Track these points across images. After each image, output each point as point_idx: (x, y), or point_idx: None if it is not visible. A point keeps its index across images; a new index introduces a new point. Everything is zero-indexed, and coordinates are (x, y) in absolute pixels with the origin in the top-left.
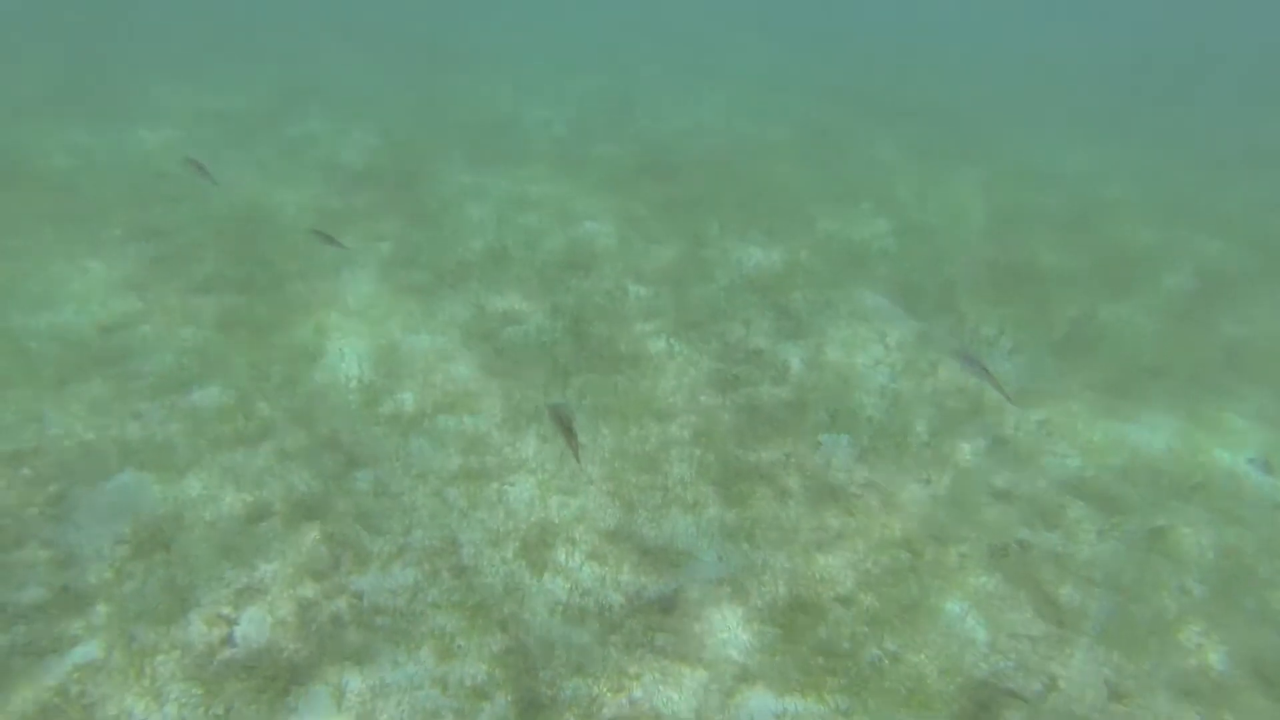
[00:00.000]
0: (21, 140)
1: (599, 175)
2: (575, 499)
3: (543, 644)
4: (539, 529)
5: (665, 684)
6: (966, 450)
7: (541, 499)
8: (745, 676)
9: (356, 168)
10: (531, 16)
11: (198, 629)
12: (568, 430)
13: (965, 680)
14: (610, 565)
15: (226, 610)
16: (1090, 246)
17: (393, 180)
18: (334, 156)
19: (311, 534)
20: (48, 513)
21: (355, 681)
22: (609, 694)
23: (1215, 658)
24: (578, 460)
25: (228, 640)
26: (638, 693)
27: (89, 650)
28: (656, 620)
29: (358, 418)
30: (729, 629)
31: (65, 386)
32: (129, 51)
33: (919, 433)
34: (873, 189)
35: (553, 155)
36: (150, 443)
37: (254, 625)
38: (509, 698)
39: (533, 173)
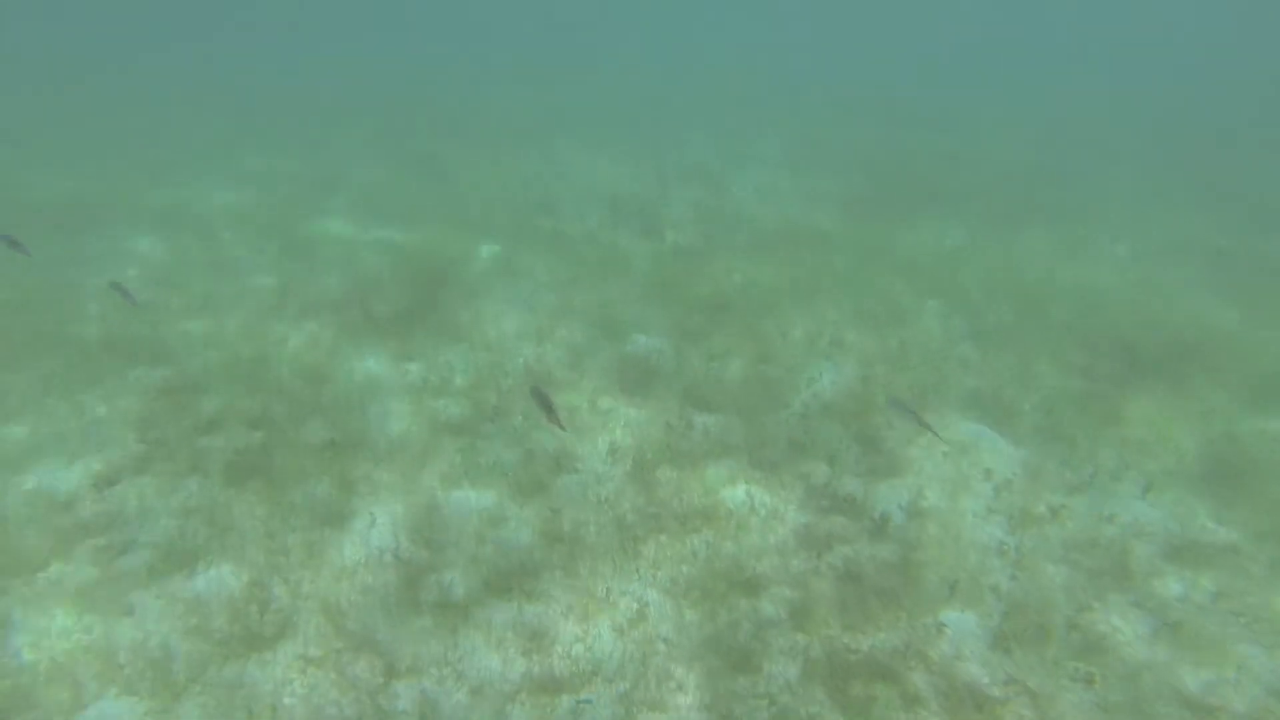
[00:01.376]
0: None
1: (643, 274)
2: (667, 716)
3: None
4: None
5: None
6: (1126, 632)
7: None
8: None
9: (377, 271)
10: (553, 83)
11: None
12: (549, 409)
13: None
14: None
15: None
16: (1178, 334)
17: (417, 284)
18: (353, 256)
19: None
20: None
21: None
22: None
23: None
24: (563, 428)
25: None
26: None
27: None
28: None
29: (396, 608)
30: None
31: (45, 571)
32: (140, 152)
33: (1060, 606)
34: (937, 280)
35: (591, 249)
36: (142, 652)
37: None
38: None
39: (572, 273)
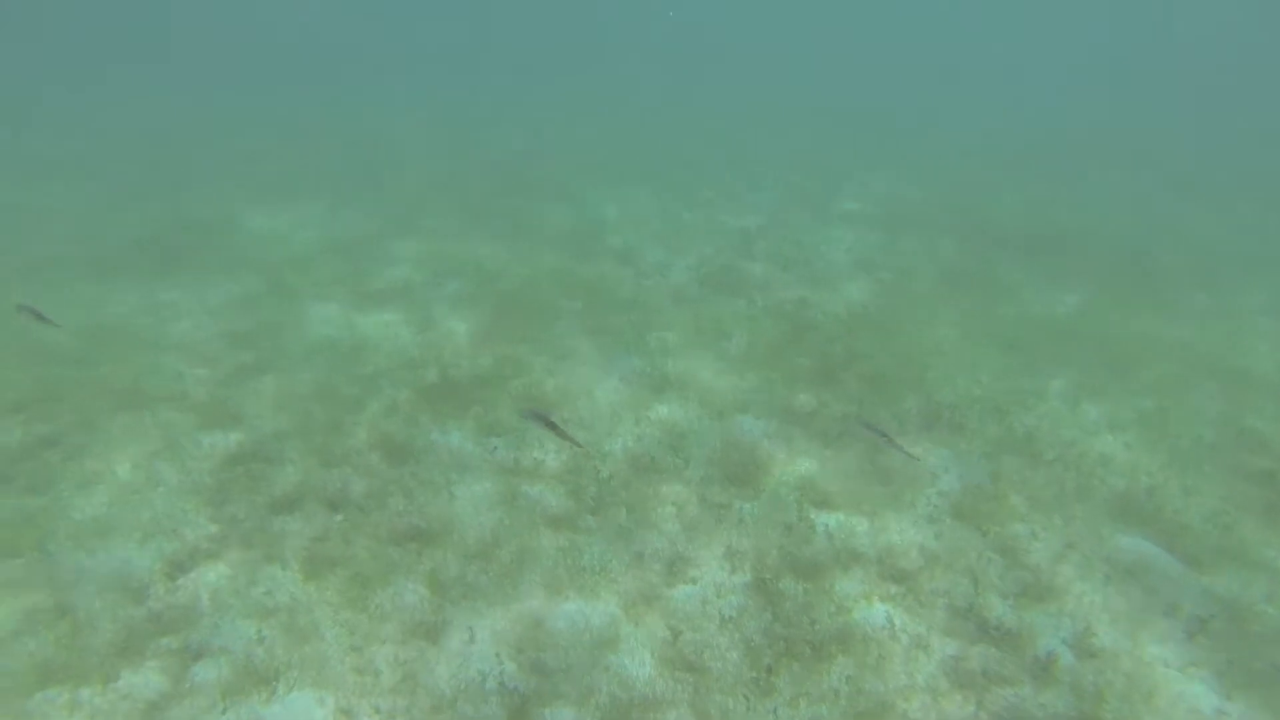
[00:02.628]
0: (101, 300)
1: (741, 344)
2: None
3: None
4: None
5: None
6: None
7: None
8: None
9: (455, 331)
10: (614, 119)
11: None
12: (550, 424)
13: None
14: None
15: None
16: None
17: (497, 348)
18: (427, 312)
19: None
20: None
21: None
22: None
23: None
24: (577, 444)
25: None
26: None
27: None
28: None
29: None
30: None
31: (114, 683)
32: (212, 189)
33: None
34: (1055, 356)
35: (678, 311)
36: None
37: None
38: None
39: (662, 340)
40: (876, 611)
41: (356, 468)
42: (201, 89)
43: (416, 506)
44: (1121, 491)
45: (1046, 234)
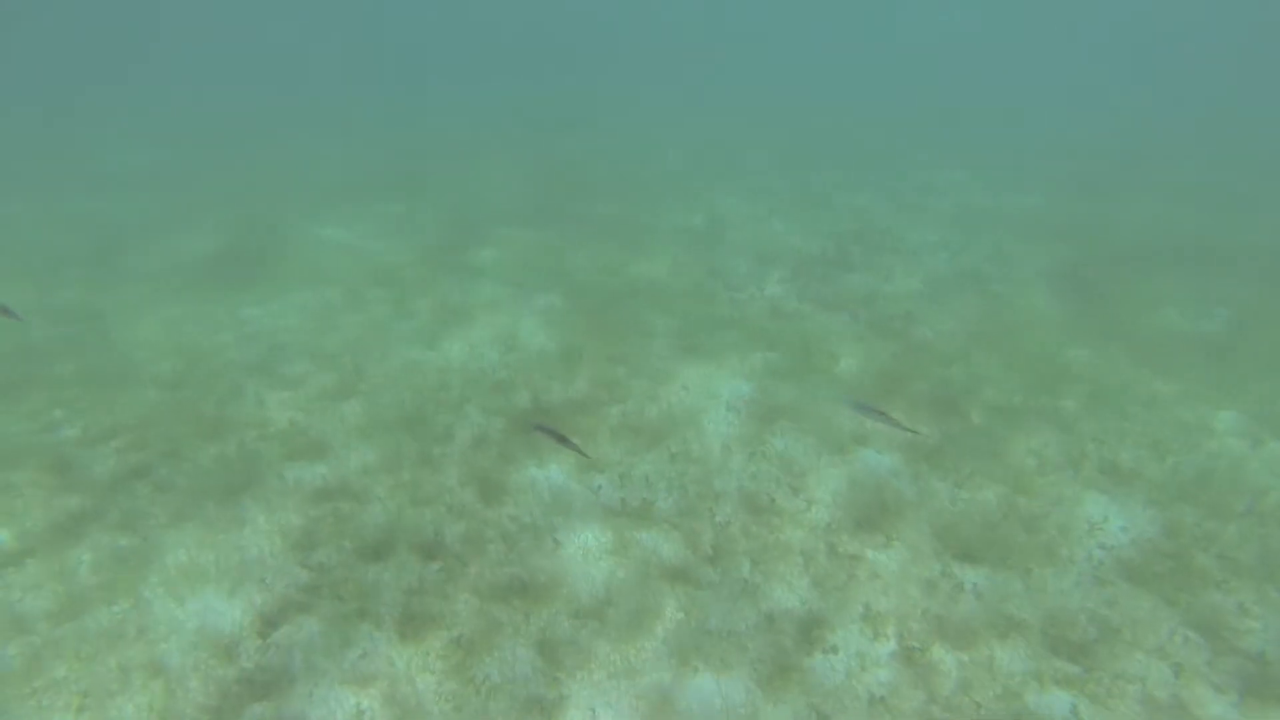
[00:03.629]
0: (182, 317)
1: (852, 366)
2: None
3: None
4: None
5: None
6: None
7: None
8: None
9: (541, 347)
10: (693, 129)
11: None
12: (560, 438)
13: None
14: None
15: None
16: None
17: (591, 370)
18: (513, 326)
19: None
20: None
21: None
22: None
23: None
24: (585, 454)
25: None
26: None
27: None
28: None
29: None
30: None
31: None
32: (278, 191)
33: None
34: (1216, 381)
35: (780, 328)
36: None
37: None
38: None
39: (768, 363)
40: (1056, 701)
41: (450, 507)
42: (258, 92)
43: (519, 555)
44: None
45: (1179, 241)
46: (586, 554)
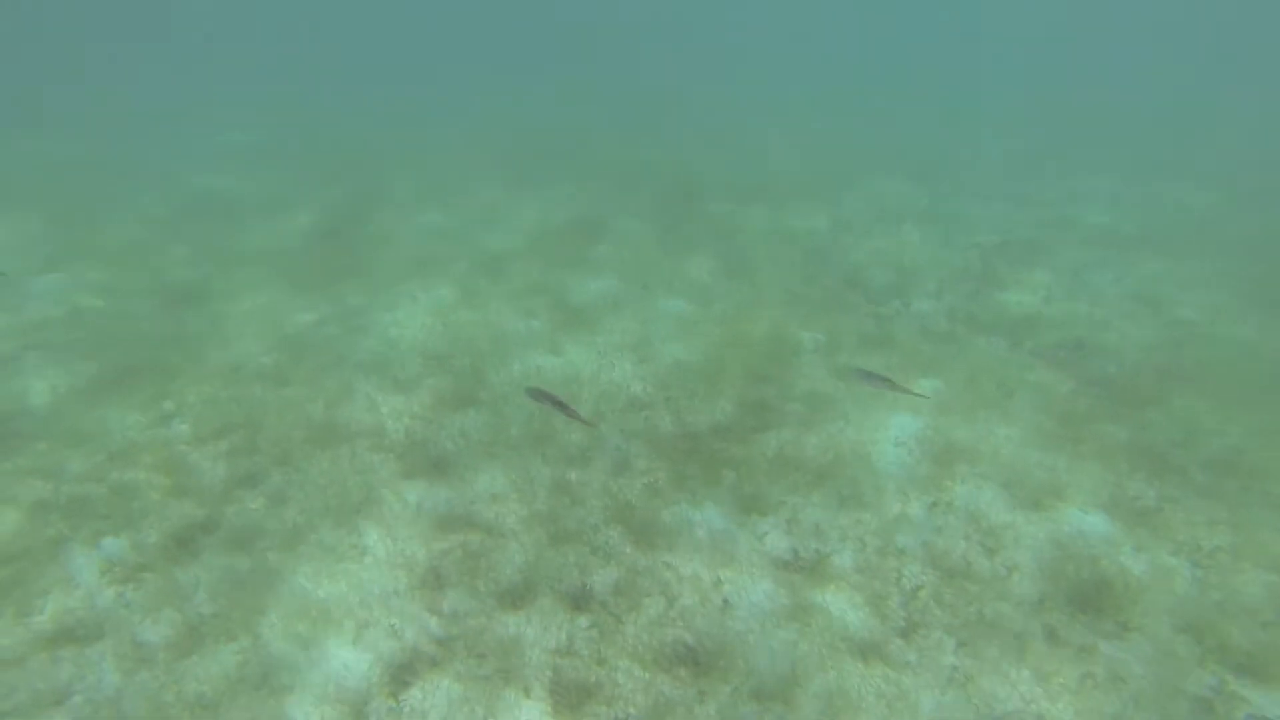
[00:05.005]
0: (290, 306)
1: (1026, 404)
2: None
3: None
4: None
5: None
6: None
7: None
8: None
9: (682, 362)
10: (797, 124)
11: None
12: (558, 404)
13: None
14: None
15: None
16: None
17: (736, 389)
18: (645, 334)
19: None
20: None
21: None
22: None
23: None
24: (586, 421)
25: None
26: None
27: None
28: None
29: None
30: None
31: None
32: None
33: None
34: None
35: (938, 356)
36: None
37: None
38: None
39: (935, 394)
40: None
41: (595, 549)
42: (358, 81)
43: (682, 614)
44: None
45: None
46: (760, 617)
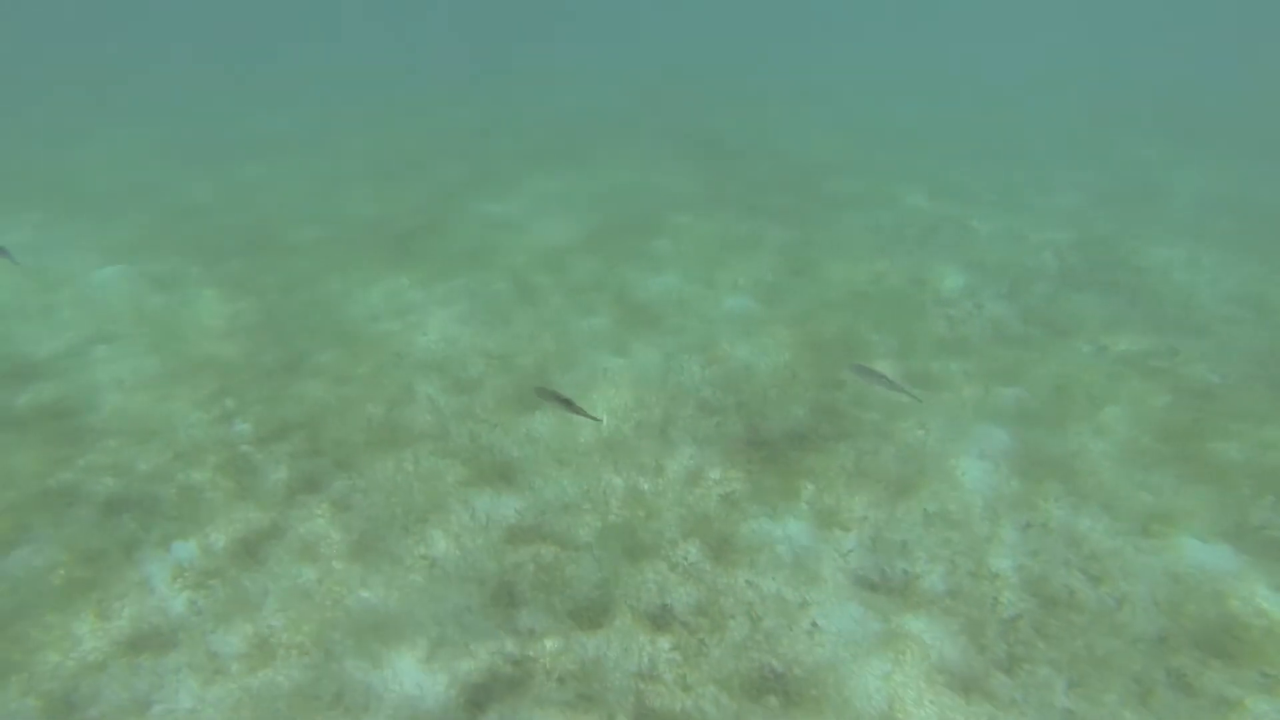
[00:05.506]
0: (346, 295)
1: (1120, 415)
2: None
3: None
4: None
5: None
6: None
7: None
8: None
9: (751, 365)
10: (853, 112)
11: None
12: (565, 401)
13: None
14: None
15: None
16: None
17: (808, 393)
18: (709, 335)
19: None
20: None
21: None
22: None
23: None
24: (593, 416)
25: None
26: None
27: None
28: None
29: None
30: None
31: None
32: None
33: None
34: None
35: (1017, 361)
36: None
37: None
38: None
39: (1020, 403)
40: None
41: (673, 565)
42: (390, 72)
43: (767, 637)
44: None
45: None
46: (850, 643)
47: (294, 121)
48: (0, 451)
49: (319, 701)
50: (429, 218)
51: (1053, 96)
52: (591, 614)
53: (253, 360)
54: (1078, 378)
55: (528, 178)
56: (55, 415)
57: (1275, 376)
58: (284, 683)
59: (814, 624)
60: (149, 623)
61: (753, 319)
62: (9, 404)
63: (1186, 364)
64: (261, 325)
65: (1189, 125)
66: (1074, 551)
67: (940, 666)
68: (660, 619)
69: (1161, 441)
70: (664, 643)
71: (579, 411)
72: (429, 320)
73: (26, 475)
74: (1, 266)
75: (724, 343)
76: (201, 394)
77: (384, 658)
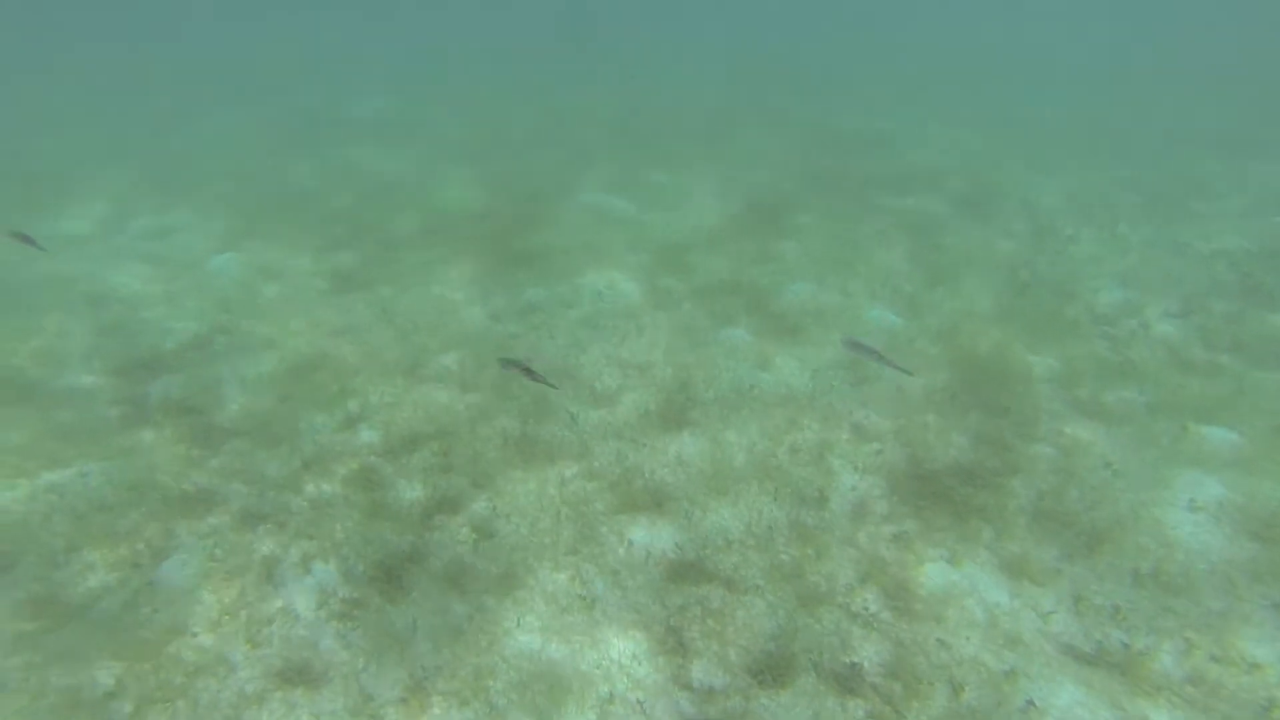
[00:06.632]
0: (456, 291)
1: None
2: None
3: None
4: None
5: None
6: None
7: None
8: None
9: (903, 384)
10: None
11: None
12: (526, 370)
13: None
14: None
15: None
16: None
17: (968, 422)
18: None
19: None
20: None
21: None
22: None
23: None
24: (552, 385)
25: None
26: None
27: None
28: None
29: None
30: None
31: None
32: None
33: None
34: None
35: (1196, 390)
36: None
37: None
38: None
39: (1221, 444)
40: None
41: (852, 614)
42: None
43: (973, 712)
44: None
45: None
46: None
47: (393, 103)
48: (143, 449)
49: None
50: (538, 208)
51: (1174, 82)
52: (771, 670)
53: (371, 360)
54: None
55: (637, 168)
56: (185, 411)
57: None
58: None
59: (1030, 703)
60: (300, 655)
61: (896, 333)
62: (144, 397)
63: None
64: (376, 322)
65: None
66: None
67: None
68: (848, 680)
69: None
70: (856, 709)
71: (540, 380)
72: (555, 322)
73: (166, 476)
74: (141, 258)
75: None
76: (322, 395)
77: (552, 715)
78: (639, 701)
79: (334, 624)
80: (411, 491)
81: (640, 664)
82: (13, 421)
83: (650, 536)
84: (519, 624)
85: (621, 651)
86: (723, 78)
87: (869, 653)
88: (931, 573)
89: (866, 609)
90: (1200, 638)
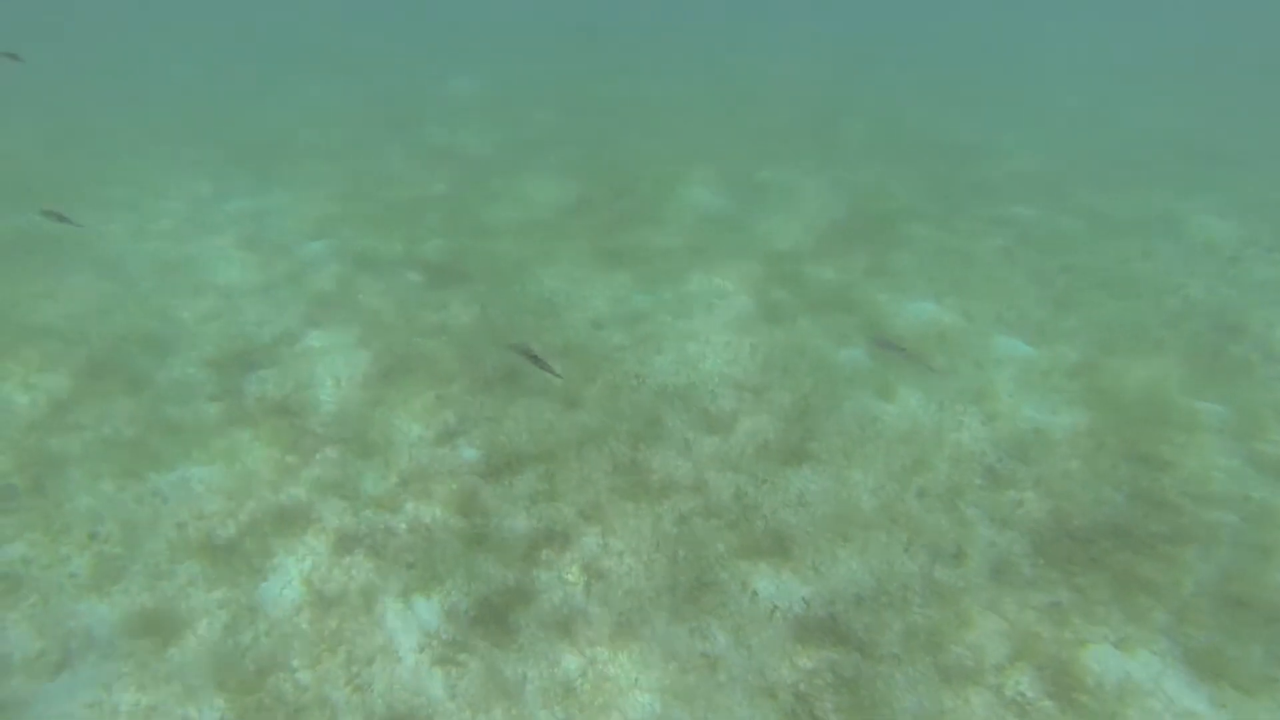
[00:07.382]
0: (557, 287)
1: None
2: None
3: None
4: None
5: None
6: None
7: None
8: None
9: (1042, 426)
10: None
11: None
12: (533, 357)
13: None
14: None
15: None
16: None
17: (1119, 473)
18: (985, 383)
19: None
20: None
21: None
22: None
23: None
24: (556, 373)
25: None
26: None
27: None
28: None
29: None
30: None
31: None
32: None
33: None
34: None
35: None
36: None
37: None
38: None
39: None
40: None
41: (1004, 699)
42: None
43: None
44: None
45: None
46: None
47: (480, 83)
48: (239, 450)
49: None
50: (635, 202)
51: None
52: None
53: (469, 365)
54: None
55: (740, 164)
56: (278, 411)
57: None
58: None
59: None
60: (403, 701)
61: (1029, 364)
62: (240, 393)
63: None
64: (474, 324)
65: None
66: None
67: None
68: None
69: None
70: None
71: (545, 368)
72: (663, 333)
73: (262, 484)
74: (237, 243)
75: (1002, 394)
76: (418, 403)
77: None
78: None
79: (439, 670)
80: (514, 520)
81: None
82: (125, 415)
83: (776, 587)
84: (636, 683)
85: (748, 717)
86: (829, 74)
87: None
88: (1098, 657)
89: (1022, 695)
90: None
